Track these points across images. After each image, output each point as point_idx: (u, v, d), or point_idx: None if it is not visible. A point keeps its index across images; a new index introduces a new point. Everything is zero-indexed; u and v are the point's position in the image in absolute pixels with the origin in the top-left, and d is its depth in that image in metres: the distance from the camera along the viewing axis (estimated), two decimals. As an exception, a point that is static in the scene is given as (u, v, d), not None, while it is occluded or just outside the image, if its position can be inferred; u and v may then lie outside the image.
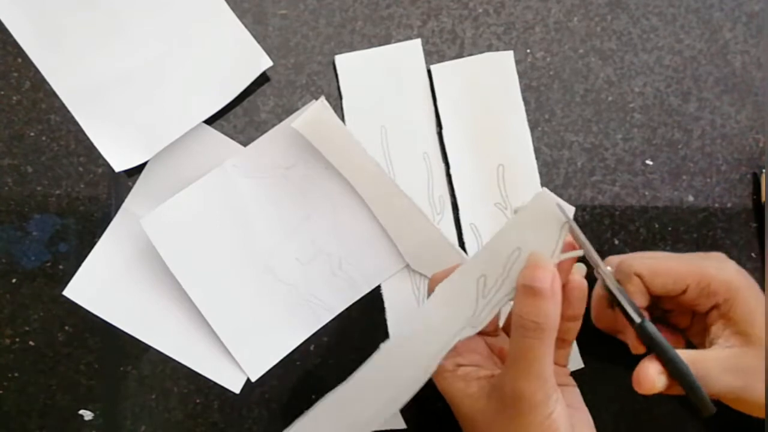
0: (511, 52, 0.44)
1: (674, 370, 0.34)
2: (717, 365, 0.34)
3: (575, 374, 0.44)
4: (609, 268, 0.36)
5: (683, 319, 0.39)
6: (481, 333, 0.34)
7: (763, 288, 0.37)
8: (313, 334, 0.43)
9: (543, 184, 0.44)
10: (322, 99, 0.42)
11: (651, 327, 0.34)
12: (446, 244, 0.42)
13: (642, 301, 0.37)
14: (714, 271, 0.36)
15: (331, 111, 0.42)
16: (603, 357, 0.45)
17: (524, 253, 0.32)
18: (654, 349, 0.35)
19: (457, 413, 0.35)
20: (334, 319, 0.43)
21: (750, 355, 0.35)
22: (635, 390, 0.35)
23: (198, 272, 0.41)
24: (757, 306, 0.35)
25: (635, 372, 0.35)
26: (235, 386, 0.42)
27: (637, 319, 0.35)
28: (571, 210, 0.41)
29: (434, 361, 0.33)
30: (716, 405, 0.34)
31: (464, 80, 0.44)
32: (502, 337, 0.38)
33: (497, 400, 0.32)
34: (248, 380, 0.42)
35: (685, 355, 0.34)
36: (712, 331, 0.36)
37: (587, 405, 0.44)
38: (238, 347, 0.42)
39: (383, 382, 0.34)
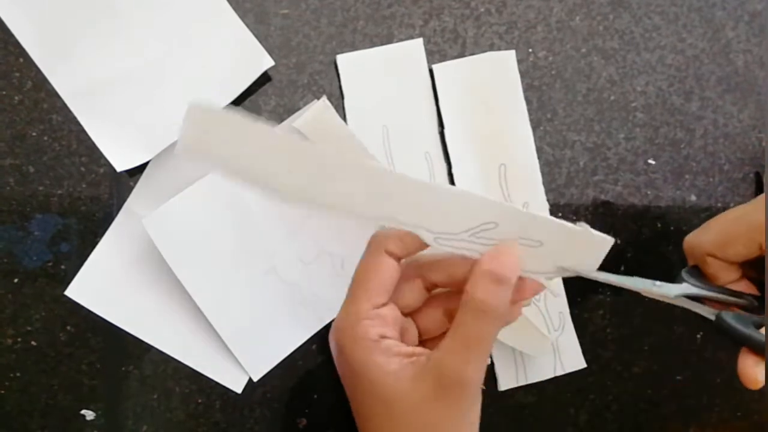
0: (512, 52, 0.44)
1: None
2: None
3: (577, 374, 0.44)
4: (675, 291, 0.33)
5: None
6: (405, 313, 0.31)
7: None
8: (315, 334, 0.43)
9: (545, 184, 0.44)
10: (324, 99, 0.42)
11: (727, 319, 0.31)
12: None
13: (729, 275, 0.34)
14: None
15: (333, 111, 0.42)
16: (605, 357, 0.45)
17: (541, 249, 0.30)
18: (743, 343, 0.31)
19: (366, 392, 0.30)
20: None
21: None
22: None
23: (200, 272, 0.41)
24: None
25: (738, 369, 0.32)
26: (237, 386, 0.42)
27: (711, 316, 0.32)
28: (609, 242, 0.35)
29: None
30: None
31: (466, 80, 0.44)
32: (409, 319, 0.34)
33: (431, 384, 0.29)
34: (250, 380, 0.42)
35: None
36: None
37: (589, 405, 0.44)
38: (239, 347, 0.42)
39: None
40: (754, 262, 0.35)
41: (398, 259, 0.31)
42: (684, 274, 0.35)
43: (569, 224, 0.30)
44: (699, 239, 0.35)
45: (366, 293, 0.30)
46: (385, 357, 0.29)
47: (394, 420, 0.30)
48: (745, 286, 0.35)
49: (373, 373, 0.29)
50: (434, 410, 0.29)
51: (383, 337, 0.30)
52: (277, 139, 0.30)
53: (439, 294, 0.34)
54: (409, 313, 0.33)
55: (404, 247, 0.31)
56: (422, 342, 0.34)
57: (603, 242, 0.30)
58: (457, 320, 0.29)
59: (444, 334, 0.30)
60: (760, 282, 0.35)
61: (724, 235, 0.34)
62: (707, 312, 0.33)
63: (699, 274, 0.35)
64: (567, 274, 0.31)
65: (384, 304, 0.30)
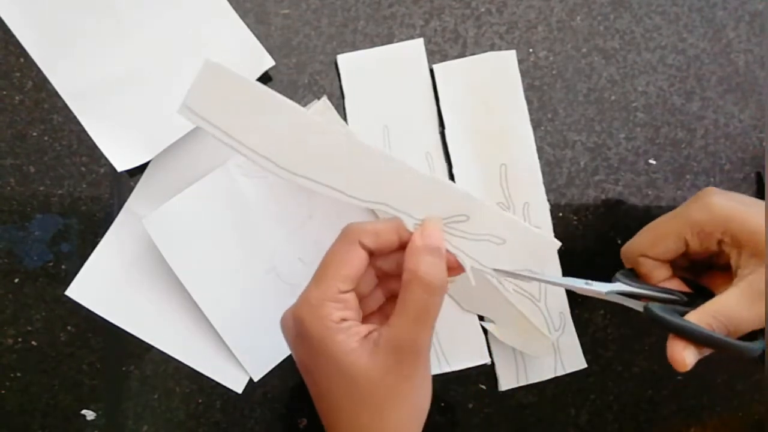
0: (513, 52, 0.44)
1: (697, 339, 0.33)
2: (741, 301, 0.34)
3: (578, 374, 0.44)
4: (606, 288, 0.36)
5: (721, 259, 0.38)
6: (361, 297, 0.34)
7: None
8: (316, 334, 0.43)
9: (546, 184, 0.44)
10: (324, 99, 0.42)
11: (654, 309, 0.34)
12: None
13: (661, 273, 0.38)
14: (699, 214, 0.36)
15: (333, 111, 0.42)
16: (605, 357, 0.45)
17: (503, 246, 0.33)
18: (670, 330, 0.34)
19: (326, 370, 0.32)
20: (336, 319, 0.43)
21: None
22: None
23: (200, 272, 0.41)
24: (761, 221, 0.34)
25: (667, 355, 0.34)
26: (238, 386, 0.42)
27: (639, 308, 0.35)
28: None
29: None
30: None
31: (467, 80, 0.44)
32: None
33: (389, 356, 0.31)
34: (250, 380, 0.42)
35: (710, 307, 0.34)
36: (733, 261, 0.36)
37: (590, 405, 0.44)
38: (240, 347, 0.42)
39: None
40: (687, 266, 0.38)
41: (370, 252, 0.33)
42: (618, 275, 0.37)
43: (529, 226, 0.33)
44: (632, 243, 0.38)
45: (335, 278, 0.32)
46: (345, 336, 0.31)
47: (356, 394, 0.32)
48: (676, 284, 0.38)
49: (333, 350, 0.31)
50: (395, 380, 0.31)
51: (344, 320, 0.32)
52: (285, 109, 0.31)
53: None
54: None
55: (378, 243, 0.32)
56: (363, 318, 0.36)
57: (552, 244, 0.34)
58: (403, 297, 0.31)
59: (381, 308, 0.35)
60: (691, 282, 0.38)
61: (654, 234, 0.37)
62: (636, 305, 0.35)
63: (633, 274, 0.38)
64: (518, 275, 0.34)
65: (348, 291, 0.32)
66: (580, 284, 0.35)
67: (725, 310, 0.34)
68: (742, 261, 0.35)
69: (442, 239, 0.32)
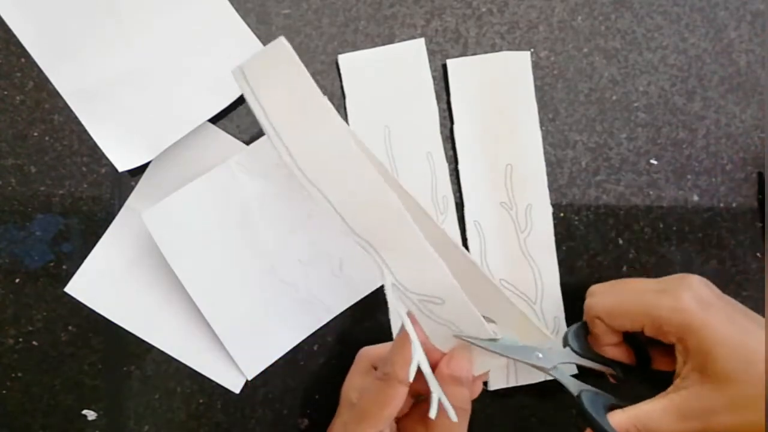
0: (528, 53, 0.44)
1: None
2: (666, 416, 0.33)
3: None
4: (551, 363, 0.37)
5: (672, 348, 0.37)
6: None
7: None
8: (317, 335, 0.42)
9: (548, 184, 0.44)
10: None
11: (583, 401, 0.35)
12: (450, 243, 0.42)
13: (611, 338, 0.38)
14: (665, 312, 0.34)
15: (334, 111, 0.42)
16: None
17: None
18: (592, 427, 0.35)
19: None
20: (337, 320, 0.43)
21: (707, 395, 0.33)
22: None
23: (197, 268, 0.41)
24: (722, 339, 0.33)
25: None
26: (235, 386, 0.42)
27: (575, 392, 0.36)
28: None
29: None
30: None
31: (480, 77, 0.43)
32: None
33: None
34: (252, 380, 0.42)
35: (633, 412, 0.34)
36: (677, 366, 0.35)
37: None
38: (235, 345, 0.42)
39: None
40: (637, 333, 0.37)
41: (408, 386, 0.33)
42: (570, 334, 0.38)
43: (491, 332, 0.34)
44: (594, 302, 0.38)
45: (376, 423, 0.33)
46: None
47: None
48: (621, 352, 0.38)
49: None
50: None
51: None
52: (330, 124, 0.31)
53: None
54: None
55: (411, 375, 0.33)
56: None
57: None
58: (433, 423, 0.33)
59: (408, 414, 0.37)
60: (637, 350, 0.38)
61: (617, 307, 0.36)
62: (573, 386, 0.36)
63: (584, 333, 0.39)
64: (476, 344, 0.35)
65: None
66: (532, 360, 0.36)
67: (647, 421, 0.33)
68: (684, 371, 0.34)
69: (470, 369, 0.34)
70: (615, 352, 0.38)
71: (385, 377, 0.33)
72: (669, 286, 0.35)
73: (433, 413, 0.32)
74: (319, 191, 0.32)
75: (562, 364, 0.37)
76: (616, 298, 0.37)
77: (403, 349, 0.33)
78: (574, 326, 0.39)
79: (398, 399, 0.33)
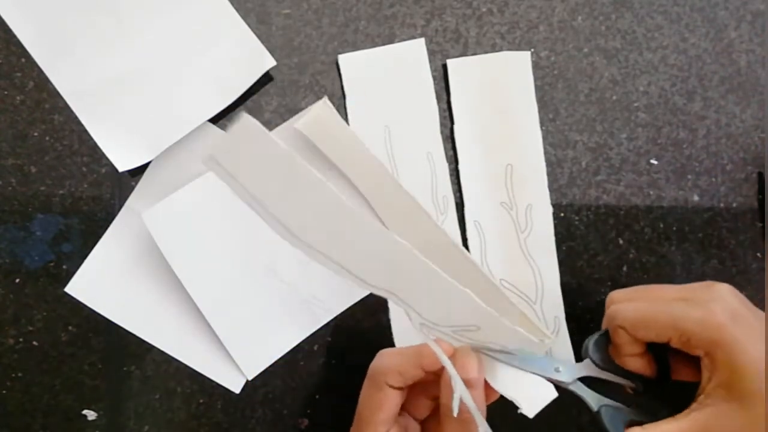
0: (528, 53, 0.44)
1: None
2: None
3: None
4: (571, 377, 0.36)
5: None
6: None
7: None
8: (317, 335, 0.42)
9: (548, 184, 0.44)
10: (325, 99, 0.42)
11: (603, 417, 0.34)
12: (451, 244, 0.42)
13: (634, 349, 0.35)
14: (695, 325, 0.32)
15: (334, 111, 0.42)
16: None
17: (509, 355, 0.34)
18: None
19: None
20: (337, 320, 0.43)
21: (732, 414, 0.31)
22: None
23: (197, 268, 0.41)
24: (751, 357, 0.31)
25: None
26: (235, 386, 0.42)
27: (595, 407, 0.34)
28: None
29: None
30: None
31: (480, 77, 0.43)
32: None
33: None
34: (252, 380, 0.42)
35: (655, 430, 0.32)
36: (702, 381, 0.33)
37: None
38: (235, 345, 0.42)
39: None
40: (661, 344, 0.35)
41: (400, 389, 0.34)
42: (591, 345, 0.36)
43: (534, 338, 0.33)
44: (619, 310, 0.35)
45: (372, 423, 0.33)
46: None
47: None
48: (644, 364, 0.36)
49: None
50: None
51: None
52: (315, 183, 0.29)
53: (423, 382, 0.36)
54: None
55: (404, 380, 0.34)
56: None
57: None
58: (449, 427, 0.33)
59: (430, 416, 0.36)
60: (660, 362, 0.36)
61: (642, 317, 0.34)
62: (593, 401, 0.35)
63: (605, 343, 0.37)
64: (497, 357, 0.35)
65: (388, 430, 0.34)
66: (551, 374, 0.35)
67: None
68: (709, 388, 0.32)
69: (478, 370, 0.33)
70: (637, 363, 0.36)
71: (374, 382, 0.34)
72: (698, 295, 0.34)
73: (455, 410, 0.31)
74: (321, 253, 0.31)
75: (581, 379, 0.36)
76: (642, 308, 0.35)
77: (391, 356, 0.34)
78: (595, 336, 0.37)
79: (389, 403, 0.33)
